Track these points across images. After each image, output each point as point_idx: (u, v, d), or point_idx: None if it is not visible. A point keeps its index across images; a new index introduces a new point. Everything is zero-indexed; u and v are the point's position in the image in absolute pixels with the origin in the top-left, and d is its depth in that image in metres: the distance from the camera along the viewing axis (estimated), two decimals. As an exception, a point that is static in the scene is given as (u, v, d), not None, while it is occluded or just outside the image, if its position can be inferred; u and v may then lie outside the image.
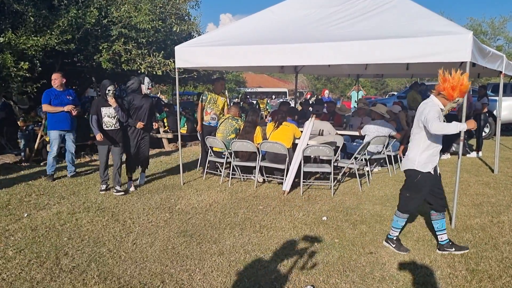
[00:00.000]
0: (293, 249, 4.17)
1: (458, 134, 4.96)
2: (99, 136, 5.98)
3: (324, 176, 7.17)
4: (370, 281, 3.51)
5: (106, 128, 6.09)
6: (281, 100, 25.22)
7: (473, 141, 10.46)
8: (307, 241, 4.39)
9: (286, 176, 6.37)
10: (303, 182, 6.35)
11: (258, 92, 35.46)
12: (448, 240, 4.09)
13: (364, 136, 7.57)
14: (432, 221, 4.16)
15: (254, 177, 6.83)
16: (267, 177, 6.98)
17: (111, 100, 6.01)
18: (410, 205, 4.07)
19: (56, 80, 6.94)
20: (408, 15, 5.32)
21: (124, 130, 6.29)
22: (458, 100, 3.71)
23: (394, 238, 4.20)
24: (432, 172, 3.92)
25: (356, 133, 8.01)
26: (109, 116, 6.09)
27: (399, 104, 10.01)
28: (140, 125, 6.28)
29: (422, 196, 4.01)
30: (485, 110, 9.93)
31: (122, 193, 6.06)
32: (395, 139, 7.82)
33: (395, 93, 23.38)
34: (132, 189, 6.37)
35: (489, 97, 10.31)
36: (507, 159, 8.98)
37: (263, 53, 5.66)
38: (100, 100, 6.15)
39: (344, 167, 6.99)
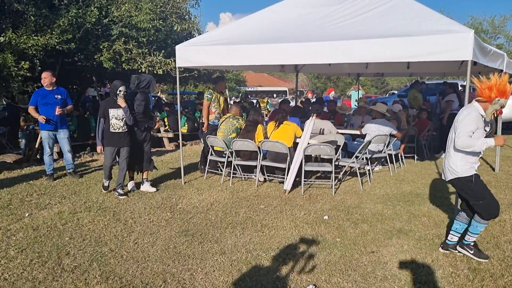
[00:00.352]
0: (294, 248, 4.17)
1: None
2: (99, 149, 5.93)
3: (325, 175, 7.17)
4: (372, 280, 3.51)
5: (113, 131, 5.90)
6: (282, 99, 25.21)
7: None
8: (309, 240, 4.39)
9: (287, 175, 6.37)
10: (304, 181, 6.35)
11: (258, 91, 35.47)
12: (456, 242, 4.04)
13: (365, 135, 7.57)
14: (455, 220, 4.05)
15: (255, 176, 6.83)
16: (268, 176, 6.98)
17: (121, 101, 5.87)
18: (491, 209, 3.73)
19: (46, 79, 6.83)
20: (408, 14, 5.32)
21: (133, 134, 6.11)
22: (499, 101, 3.57)
23: (472, 243, 3.94)
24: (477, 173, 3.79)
25: (357, 132, 8.00)
26: (116, 118, 5.89)
27: (400, 103, 10.01)
28: (158, 125, 6.30)
29: (489, 193, 3.75)
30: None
31: (125, 197, 5.96)
32: (395, 138, 7.82)
33: (395, 92, 23.37)
34: (134, 189, 6.35)
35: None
36: (507, 158, 8.97)
37: (264, 52, 5.65)
38: (108, 101, 5.99)
39: (345, 166, 6.98)
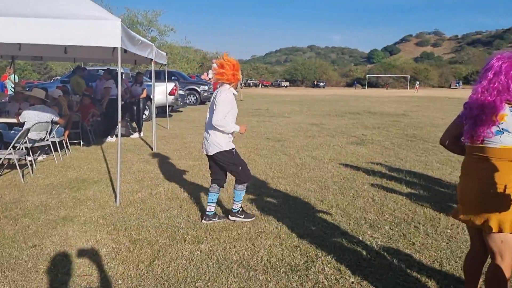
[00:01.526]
0: None
1: (121, 117, 5.26)
2: None
3: (-25, 171, 6.22)
4: (33, 275, 3.31)
5: None
6: None
7: (135, 124, 11.26)
8: (-46, 249, 3.73)
9: None
10: None
11: None
12: (214, 212, 4.48)
13: (24, 123, 6.98)
14: (209, 192, 4.46)
15: None
16: None
17: None
18: (247, 173, 4.37)
19: None
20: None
21: None
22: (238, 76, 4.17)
23: (240, 210, 4.46)
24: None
25: (14, 120, 7.27)
26: None
27: (63, 88, 9.69)
28: None
29: (243, 162, 4.37)
30: (145, 95, 10.86)
31: None
32: (58, 125, 7.55)
33: (59, 78, 22.47)
34: None
35: (146, 83, 11.34)
36: (163, 137, 10.16)
37: None
38: None
39: (1, 159, 6.25)
